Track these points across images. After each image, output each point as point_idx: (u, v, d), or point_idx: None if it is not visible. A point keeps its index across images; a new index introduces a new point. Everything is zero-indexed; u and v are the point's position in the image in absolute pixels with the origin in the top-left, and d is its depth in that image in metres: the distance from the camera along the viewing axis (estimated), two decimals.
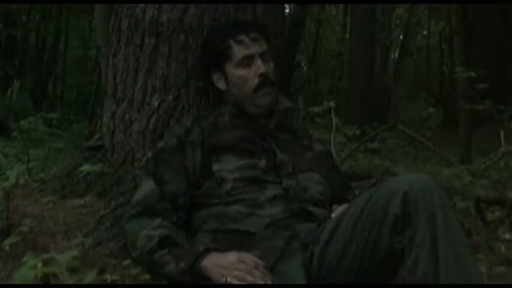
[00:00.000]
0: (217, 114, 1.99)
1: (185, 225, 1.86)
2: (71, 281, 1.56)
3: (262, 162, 1.86)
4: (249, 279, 1.56)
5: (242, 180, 1.81)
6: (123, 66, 2.31)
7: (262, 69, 1.91)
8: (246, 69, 1.93)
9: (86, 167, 2.19)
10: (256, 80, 1.92)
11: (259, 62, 1.92)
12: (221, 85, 2.00)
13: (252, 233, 1.74)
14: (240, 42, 1.93)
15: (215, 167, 1.83)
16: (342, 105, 10.79)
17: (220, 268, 1.60)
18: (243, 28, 1.97)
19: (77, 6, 13.98)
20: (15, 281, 1.52)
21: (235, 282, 1.56)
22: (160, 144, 1.96)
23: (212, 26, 2.19)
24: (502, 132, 4.12)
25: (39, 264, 1.60)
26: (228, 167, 1.83)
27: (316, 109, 4.07)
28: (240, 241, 1.73)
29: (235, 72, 1.95)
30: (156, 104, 2.22)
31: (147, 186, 1.84)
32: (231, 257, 1.62)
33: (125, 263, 1.94)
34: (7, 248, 1.97)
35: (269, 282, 1.58)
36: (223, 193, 1.80)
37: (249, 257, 1.62)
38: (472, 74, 4.47)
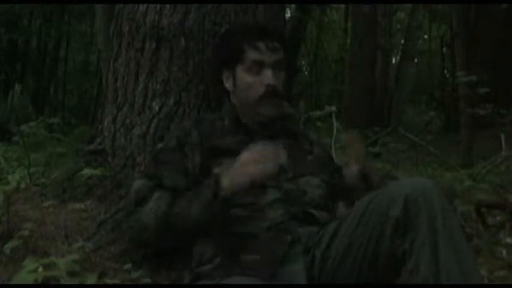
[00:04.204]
0: (217, 117, 1.99)
1: None
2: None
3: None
4: (270, 168, 1.62)
5: None
6: (124, 71, 2.31)
7: (270, 80, 1.89)
8: (255, 76, 1.90)
9: (86, 171, 2.19)
10: (262, 89, 1.90)
11: (269, 72, 1.89)
12: (228, 85, 1.98)
13: (254, 236, 1.73)
14: (256, 48, 1.91)
15: (216, 170, 1.83)
16: (343, 110, 10.79)
17: (239, 176, 1.65)
18: (263, 35, 1.94)
19: (78, 11, 14.01)
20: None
21: (258, 179, 1.64)
22: (160, 146, 1.97)
23: (234, 24, 2.20)
24: (502, 136, 4.12)
25: (40, 269, 1.61)
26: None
27: (318, 113, 4.07)
28: (242, 244, 1.72)
29: (244, 76, 1.92)
30: (156, 108, 2.22)
31: (137, 184, 1.85)
32: (240, 162, 1.67)
33: (126, 267, 1.94)
34: (8, 252, 1.96)
35: (284, 158, 1.67)
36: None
37: (255, 151, 1.67)
38: (473, 78, 4.48)
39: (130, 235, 1.92)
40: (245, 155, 1.67)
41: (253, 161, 1.65)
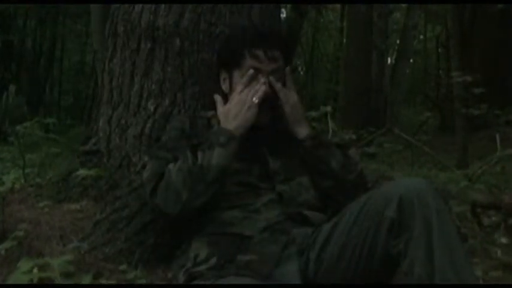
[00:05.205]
0: (212, 116, 1.99)
1: (182, 231, 1.85)
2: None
3: (255, 170, 1.86)
4: (257, 87, 1.85)
5: (238, 184, 1.81)
6: (119, 71, 2.31)
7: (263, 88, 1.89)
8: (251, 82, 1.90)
9: (81, 172, 2.19)
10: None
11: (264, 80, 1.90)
12: (224, 86, 1.99)
13: (249, 237, 1.73)
14: (254, 56, 1.90)
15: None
16: (339, 110, 10.79)
17: (233, 109, 1.84)
18: (264, 43, 1.92)
19: (73, 11, 13.98)
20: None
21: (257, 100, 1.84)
22: (163, 138, 1.98)
23: (237, 26, 2.18)
24: (498, 137, 4.12)
25: (35, 269, 1.60)
26: None
27: (313, 114, 4.06)
28: (237, 244, 1.73)
29: (239, 81, 1.92)
30: (152, 108, 2.22)
31: (146, 172, 1.86)
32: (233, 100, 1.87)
33: (121, 267, 1.94)
34: (3, 252, 1.96)
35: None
36: (218, 196, 1.79)
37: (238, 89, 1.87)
38: (468, 78, 4.48)
39: (164, 209, 1.82)
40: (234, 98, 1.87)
41: (238, 93, 1.85)
